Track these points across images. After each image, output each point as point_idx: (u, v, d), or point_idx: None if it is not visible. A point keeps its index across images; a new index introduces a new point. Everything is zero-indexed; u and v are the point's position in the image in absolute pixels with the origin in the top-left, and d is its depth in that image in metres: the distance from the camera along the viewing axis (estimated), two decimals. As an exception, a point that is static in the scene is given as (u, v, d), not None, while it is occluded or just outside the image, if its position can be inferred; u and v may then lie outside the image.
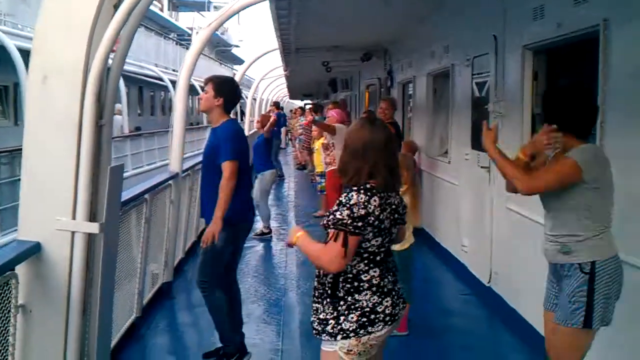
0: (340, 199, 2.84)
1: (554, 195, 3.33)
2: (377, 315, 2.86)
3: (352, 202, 2.78)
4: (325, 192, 10.88)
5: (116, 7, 3.27)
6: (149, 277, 6.16)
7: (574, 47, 4.86)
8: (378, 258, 2.91)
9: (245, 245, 5.32)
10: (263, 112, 25.44)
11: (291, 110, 28.72)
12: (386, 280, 2.93)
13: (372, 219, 2.80)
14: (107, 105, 3.30)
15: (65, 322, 3.19)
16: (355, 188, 2.85)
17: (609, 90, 3.91)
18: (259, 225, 9.51)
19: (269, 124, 10.16)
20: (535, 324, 4.66)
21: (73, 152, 3.13)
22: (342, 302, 2.87)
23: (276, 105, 22.87)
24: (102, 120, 3.26)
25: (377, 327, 2.86)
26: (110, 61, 3.33)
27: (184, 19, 50.73)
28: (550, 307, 3.46)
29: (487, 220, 6.18)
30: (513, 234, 5.57)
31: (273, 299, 6.60)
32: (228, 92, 4.85)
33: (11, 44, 13.37)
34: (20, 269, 3.07)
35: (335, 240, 2.78)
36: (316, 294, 2.98)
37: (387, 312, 2.88)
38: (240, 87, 5.90)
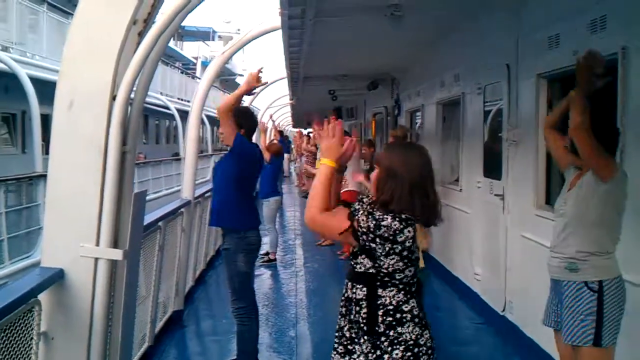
0: (374, 213, 2.59)
1: (573, 207, 3.36)
2: (421, 349, 2.61)
3: (383, 222, 2.55)
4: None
5: (141, 35, 3.31)
6: (160, 305, 6.12)
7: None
8: (413, 289, 2.67)
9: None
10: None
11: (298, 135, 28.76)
12: (423, 312, 2.70)
13: (400, 248, 2.58)
14: (131, 132, 3.32)
15: (87, 350, 3.16)
16: (391, 214, 2.59)
17: (628, 117, 3.92)
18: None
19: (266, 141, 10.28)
20: (553, 353, 4.60)
21: (98, 179, 3.12)
22: (383, 338, 2.61)
23: (280, 132, 23.00)
24: (126, 147, 3.27)
25: None
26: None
27: (189, 49, 51.19)
28: (552, 325, 3.50)
29: (501, 249, 6.15)
30: (528, 262, 5.52)
31: (284, 328, 6.53)
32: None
33: (22, 72, 13.41)
34: (43, 296, 3.05)
35: (348, 218, 2.61)
36: (347, 335, 2.72)
37: (428, 344, 2.64)
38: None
